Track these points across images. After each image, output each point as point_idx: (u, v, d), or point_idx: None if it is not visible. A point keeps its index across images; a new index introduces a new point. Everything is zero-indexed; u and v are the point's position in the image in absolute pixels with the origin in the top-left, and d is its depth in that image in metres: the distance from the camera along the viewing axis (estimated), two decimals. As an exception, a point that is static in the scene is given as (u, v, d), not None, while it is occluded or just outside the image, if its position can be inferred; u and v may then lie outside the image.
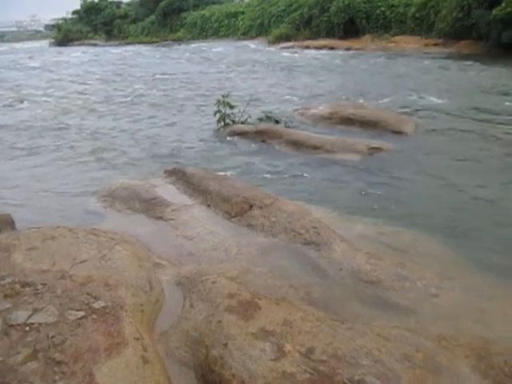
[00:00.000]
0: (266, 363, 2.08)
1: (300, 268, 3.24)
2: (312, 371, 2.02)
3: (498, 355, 2.32)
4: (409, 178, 5.17)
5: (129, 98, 12.01)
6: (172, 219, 4.15)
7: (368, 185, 5.01)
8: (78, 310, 2.35)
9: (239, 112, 7.97)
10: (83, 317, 2.31)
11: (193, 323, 2.52)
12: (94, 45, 45.10)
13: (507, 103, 9.11)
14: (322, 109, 8.43)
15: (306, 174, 5.48)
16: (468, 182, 4.94)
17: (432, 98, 9.74)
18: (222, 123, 7.95)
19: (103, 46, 43.82)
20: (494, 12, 17.73)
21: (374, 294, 2.92)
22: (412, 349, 2.32)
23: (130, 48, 36.24)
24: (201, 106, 10.35)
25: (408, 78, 13.06)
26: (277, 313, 2.43)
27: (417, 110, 8.65)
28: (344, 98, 10.38)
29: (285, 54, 24.47)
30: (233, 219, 4.06)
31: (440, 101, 9.50)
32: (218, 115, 7.91)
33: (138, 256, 3.22)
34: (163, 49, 33.38)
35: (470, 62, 15.75)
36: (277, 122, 7.81)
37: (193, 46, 34.49)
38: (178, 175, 5.10)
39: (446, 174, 5.17)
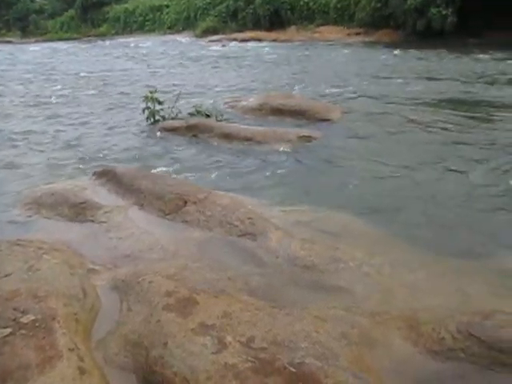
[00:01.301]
0: (208, 357, 2.08)
1: (237, 260, 3.26)
2: (253, 359, 2.05)
3: (426, 324, 2.47)
4: (338, 163, 5.36)
5: (51, 99, 11.39)
6: (104, 222, 4.01)
7: (299, 173, 5.13)
8: (5, 328, 2.22)
9: (169, 108, 7.82)
10: (10, 334, 2.18)
11: (131, 326, 2.46)
12: (9, 42, 42.15)
13: (426, 87, 9.69)
14: (252, 100, 8.49)
15: (238, 166, 5.51)
16: (393, 164, 5.21)
17: (356, 85, 10.13)
18: (152, 120, 7.77)
19: (19, 43, 41.10)
20: (409, 2, 18.70)
21: (310, 278, 3.00)
22: (348, 327, 2.42)
23: (50, 45, 34.31)
24: (129, 103, 10.05)
25: (333, 67, 13.49)
26: (216, 306, 2.43)
27: (343, 97, 8.96)
28: (273, 88, 10.52)
29: (213, 47, 24.34)
30: (168, 217, 4.00)
31: (364, 87, 9.90)
32: (146, 112, 7.72)
33: (70, 263, 3.08)
34: (86, 45, 31.95)
35: (389, 50, 16.55)
36: (208, 115, 7.76)
37: (117, 41, 33.31)
38: (108, 176, 4.93)
39: (372, 157, 5.42)
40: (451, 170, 5.00)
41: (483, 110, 7.65)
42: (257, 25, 28.61)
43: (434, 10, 17.89)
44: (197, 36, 30.53)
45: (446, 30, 17.87)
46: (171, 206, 4.09)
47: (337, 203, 4.19)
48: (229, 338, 2.16)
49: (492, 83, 10.08)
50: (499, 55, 13.92)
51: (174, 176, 5.21)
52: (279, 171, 5.27)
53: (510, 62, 12.90)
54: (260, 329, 2.25)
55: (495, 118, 7.17)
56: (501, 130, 6.47)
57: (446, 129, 6.63)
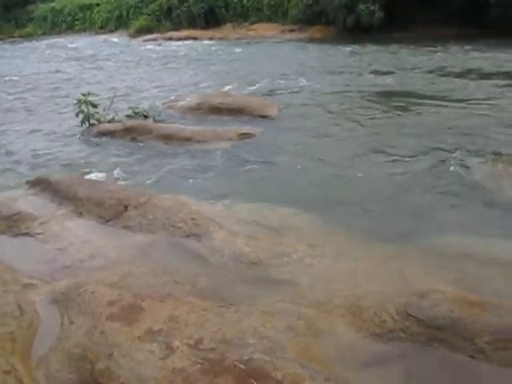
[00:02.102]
0: (156, 364, 2.05)
1: (183, 262, 3.23)
2: (202, 361, 2.05)
3: (368, 309, 2.58)
4: (277, 158, 5.44)
5: (-26, 106, 10.65)
6: (40, 233, 3.83)
7: (241, 170, 5.16)
8: None
9: (104, 110, 7.57)
10: None
11: (74, 340, 2.37)
12: None
13: (357, 80, 10.04)
14: (191, 100, 8.41)
15: (179, 167, 5.44)
16: (330, 157, 5.37)
17: (293, 81, 10.30)
18: (87, 124, 7.48)
19: None
20: (339, -2, 19.28)
21: (256, 274, 3.03)
22: (294, 319, 2.48)
23: (-31, 48, 32.06)
24: (62, 107, 9.60)
25: (269, 64, 13.64)
26: (162, 311, 2.40)
27: (280, 93, 9.09)
28: (211, 87, 10.48)
29: (148, 46, 23.80)
30: (108, 223, 3.88)
31: (300, 83, 10.09)
32: (80, 116, 7.42)
33: (2, 280, 2.92)
34: (10, 46, 30.13)
35: (322, 46, 17.00)
36: (145, 117, 7.59)
37: (46, 42, 31.65)
38: (43, 185, 4.70)
39: (309, 152, 5.55)
40: (384, 159, 5.23)
41: (410, 100, 8.02)
42: (192, 23, 28.30)
43: (362, 6, 18.58)
44: (130, 35, 29.70)
45: (374, 25, 18.62)
46: (111, 212, 3.98)
47: (278, 198, 4.26)
48: (176, 342, 2.14)
49: (413, 75, 10.59)
50: (420, 48, 14.66)
51: (113, 181, 5.06)
52: (220, 170, 5.26)
53: (429, 54, 13.62)
54: (208, 329, 2.24)
55: (422, 107, 7.55)
56: (426, 118, 6.82)
57: (378, 119, 6.91)
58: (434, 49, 14.31)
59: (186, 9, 28.59)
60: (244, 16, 27.26)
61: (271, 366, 2.00)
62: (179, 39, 25.51)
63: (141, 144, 6.49)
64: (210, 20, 27.87)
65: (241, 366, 2.00)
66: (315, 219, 3.83)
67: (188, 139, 6.26)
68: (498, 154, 5.09)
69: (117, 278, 2.91)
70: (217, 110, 7.68)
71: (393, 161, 5.17)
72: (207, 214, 3.83)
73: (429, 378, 2.16)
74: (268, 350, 2.11)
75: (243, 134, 6.29)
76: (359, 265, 3.08)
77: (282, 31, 23.08)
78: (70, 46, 26.81)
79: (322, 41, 18.60)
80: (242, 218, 3.85)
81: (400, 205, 4.11)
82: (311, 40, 19.56)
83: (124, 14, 33.49)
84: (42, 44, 30.05)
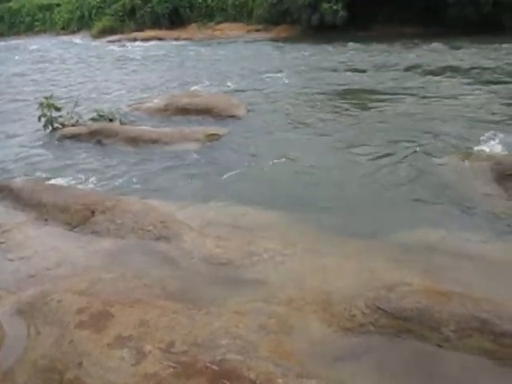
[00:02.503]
0: (127, 370, 2.02)
1: (153, 265, 3.19)
2: (174, 364, 2.03)
3: (338, 304, 2.62)
4: (246, 159, 5.45)
5: None
6: (2, 242, 3.70)
7: (209, 171, 5.14)
8: None
9: (68, 114, 7.39)
10: None
11: (41, 351, 2.31)
12: None
13: (323, 79, 10.16)
14: (157, 101, 8.31)
15: (147, 170, 5.38)
16: (297, 155, 5.41)
17: (260, 80, 10.34)
18: (50, 128, 7.29)
19: None
20: (302, -3, 19.45)
21: (227, 274, 3.02)
22: (266, 317, 2.49)
23: None
24: (24, 112, 9.30)
25: (236, 63, 13.64)
26: (132, 316, 2.36)
27: (248, 93, 9.10)
28: (178, 88, 10.38)
29: (112, 47, 23.38)
30: (75, 229, 3.79)
31: (267, 82, 10.13)
32: (43, 120, 7.22)
33: (-37, 292, 2.81)
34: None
35: (287, 45, 17.11)
36: (111, 119, 7.45)
37: (4, 44, 30.64)
38: (4, 192, 4.55)
39: (279, 151, 5.58)
40: (350, 157, 5.32)
41: (375, 97, 8.19)
42: (156, 23, 27.96)
43: (325, 6, 18.81)
44: (93, 36, 29.07)
45: (338, 24, 18.89)
46: (78, 217, 3.89)
47: (248, 198, 4.27)
48: (148, 347, 2.12)
49: (377, 72, 10.81)
50: (382, 47, 14.96)
51: (79, 186, 4.95)
52: (189, 171, 5.23)
53: (391, 52, 13.92)
54: (179, 332, 2.23)
55: (387, 103, 7.70)
56: (391, 114, 6.96)
57: (344, 117, 7.01)
58: (394, 47, 14.64)
59: (149, 9, 28.23)
60: (209, 16, 27.15)
61: (244, 365, 2.00)
62: (144, 40, 25.17)
63: (107, 147, 6.38)
64: (175, 20, 27.63)
65: (213, 367, 1.99)
66: (285, 218, 3.85)
67: (155, 141, 6.19)
68: (461, 149, 5.25)
69: (85, 285, 2.84)
70: (184, 111, 7.63)
71: (359, 158, 5.26)
72: (177, 217, 3.80)
73: (398, 369, 2.20)
74: (240, 349, 2.11)
75: (211, 134, 6.27)
76: (329, 261, 3.12)
77: (248, 31, 23.12)
78: (30, 47, 26.02)
79: (288, 40, 18.74)
80: (212, 220, 3.84)
81: (367, 201, 4.19)
82: (277, 39, 19.68)
83: (86, 14, 32.78)
84: (1, 46, 29.06)
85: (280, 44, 17.87)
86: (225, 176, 4.99)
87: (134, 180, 5.14)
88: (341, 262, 3.14)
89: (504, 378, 2.11)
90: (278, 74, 11.17)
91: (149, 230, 3.56)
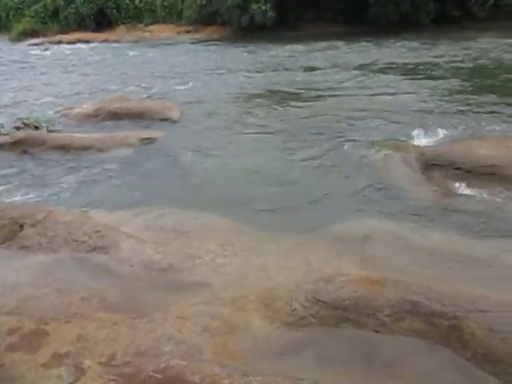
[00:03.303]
0: (66, 388, 1.94)
1: (90, 277, 3.08)
2: (116, 377, 1.98)
3: (279, 300, 2.67)
4: (181, 161, 5.39)
5: None
6: None
7: (144, 176, 5.04)
8: None
9: (-13, 123, 6.92)
10: None
11: (-30, 378, 2.16)
12: None
13: (255, 79, 10.27)
14: (87, 107, 8.00)
15: (79, 178, 5.16)
16: (234, 156, 5.44)
17: (192, 82, 10.25)
18: (-32, 139, 6.78)
19: None
20: (231, -2, 19.49)
21: (168, 279, 2.99)
22: (210, 320, 2.49)
23: None
24: None
25: (168, 65, 13.44)
26: (69, 332, 2.27)
27: (181, 95, 8.99)
28: (108, 92, 10.05)
29: (35, 51, 22.13)
30: (2, 246, 3.57)
31: (200, 84, 10.07)
32: (-41, 131, 6.71)
33: None
34: None
35: (219, 46, 17.11)
36: (37, 127, 7.06)
37: None
38: None
39: (214, 152, 5.58)
40: (283, 154, 5.41)
41: (307, 94, 8.39)
42: (82, 25, 26.80)
43: (254, 6, 18.98)
44: (13, 40, 27.34)
45: (267, 24, 19.14)
46: (5, 233, 3.66)
47: (186, 201, 4.23)
48: (87, 362, 2.05)
49: (308, 71, 11.10)
50: (310, 46, 15.34)
51: (5, 199, 4.66)
52: (124, 177, 5.09)
53: (320, 51, 14.32)
54: (121, 343, 2.17)
55: (316, 100, 7.91)
56: (320, 110, 7.15)
57: (276, 115, 7.11)
58: (322, 46, 15.06)
59: (73, 10, 27.02)
60: (138, 17, 26.46)
61: (189, 370, 1.99)
62: (70, 43, 24.07)
63: (34, 157, 6.04)
64: (101, 21, 26.64)
65: (157, 375, 1.97)
66: (224, 219, 3.86)
67: (87, 148, 5.96)
68: (389, 141, 5.52)
69: (15, 303, 2.68)
70: (116, 116, 7.40)
71: (292, 155, 5.38)
72: (113, 225, 3.69)
73: (339, 357, 2.29)
74: (185, 354, 2.10)
75: (145, 138, 6.14)
76: (269, 258, 3.18)
77: (178, 32, 22.79)
78: None
79: (219, 41, 18.74)
80: (150, 225, 3.77)
81: (302, 196, 4.29)
82: (208, 40, 19.59)
83: (3, 16, 30.79)
84: None
85: (211, 45, 17.84)
86: (160, 180, 4.91)
87: (66, 189, 4.92)
88: (280, 258, 3.20)
89: (434, 355, 2.25)
90: (212, 76, 11.16)
91: (84, 241, 3.43)
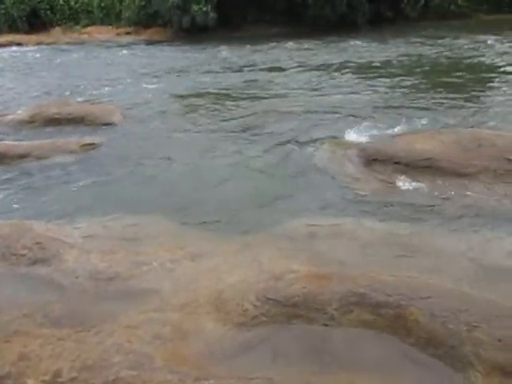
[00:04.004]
0: (8, 411, 1.84)
1: (32, 292, 2.94)
2: (63, 394, 1.90)
3: (231, 301, 2.67)
4: (126, 167, 5.25)
5: None
6: None
7: (87, 183, 4.85)
8: None
9: None
10: None
11: None
12: None
13: (197, 81, 10.21)
14: (22, 113, 7.60)
15: (15, 188, 4.88)
16: (178, 160, 5.34)
17: (134, 85, 10.03)
18: None
19: None
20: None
21: (116, 288, 2.91)
22: (160, 326, 2.45)
23: None
24: None
25: (109, 68, 13.07)
26: (9, 351, 2.16)
27: (123, 98, 8.77)
28: (45, 97, 9.62)
29: (-39, 55, 20.79)
30: None
31: (142, 86, 9.87)
32: None
33: None
34: None
35: (160, 48, 16.85)
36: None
37: None
38: None
39: (158, 156, 5.48)
40: (228, 156, 5.38)
41: (248, 96, 8.42)
42: (13, 27, 25.48)
43: (195, 7, 18.84)
44: None
45: (209, 25, 19.07)
46: None
47: (131, 207, 4.13)
48: (30, 382, 1.95)
49: (249, 72, 11.17)
50: (251, 47, 15.45)
51: None
52: (65, 185, 4.88)
53: (260, 52, 14.46)
54: (66, 359, 2.09)
55: (259, 100, 7.94)
56: (263, 111, 7.21)
57: (218, 117, 7.08)
58: (264, 47, 15.21)
59: (3, 11, 25.62)
60: (74, 19, 25.49)
61: (139, 379, 1.95)
62: (1, 46, 22.81)
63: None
64: (34, 23, 25.44)
65: (107, 388, 1.91)
66: (171, 224, 3.81)
67: (23, 156, 5.67)
68: (332, 138, 5.66)
69: None
70: (54, 121, 7.09)
71: (236, 156, 5.37)
72: (54, 236, 3.53)
73: (291, 354, 2.33)
74: (135, 364, 2.05)
75: (86, 144, 5.93)
76: (219, 260, 3.17)
77: (118, 34, 22.19)
78: None
79: (161, 43, 18.45)
80: (95, 234, 3.65)
81: (248, 197, 4.31)
82: (149, 42, 19.24)
83: None
84: None
85: (152, 47, 17.52)
86: (104, 187, 4.76)
87: (1, 201, 4.66)
88: (230, 259, 3.20)
89: (382, 344, 2.34)
90: (153, 78, 10.96)
91: (23, 254, 3.27)
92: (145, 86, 10.00)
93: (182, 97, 8.67)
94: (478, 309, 2.41)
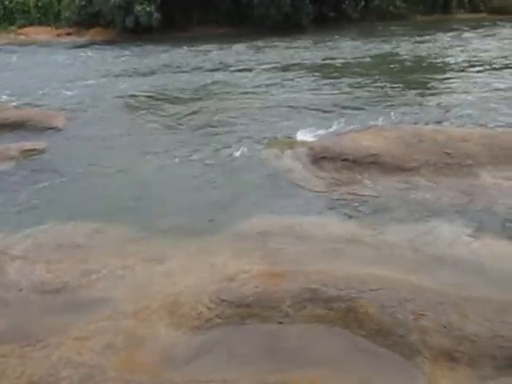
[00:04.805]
0: None
1: (-30, 308, 2.77)
2: (8, 414, 1.80)
3: (185, 305, 2.64)
4: (70, 172, 5.04)
5: None
6: None
7: (30, 191, 4.61)
8: None
9: None
10: None
11: None
12: None
13: (141, 83, 10.01)
14: (-47, 119, 7.14)
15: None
16: (123, 163, 5.19)
17: (77, 88, 9.66)
18: None
19: None
20: (113, -1, 18.71)
21: (64, 299, 2.80)
22: (112, 335, 2.38)
23: None
24: None
25: (49, 71, 12.52)
26: None
27: (67, 102, 8.43)
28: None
29: None
30: None
31: (85, 89, 9.52)
32: None
33: None
34: None
35: (103, 49, 16.34)
36: None
37: None
38: None
39: (103, 161, 5.31)
40: (175, 159, 5.30)
41: (196, 96, 8.35)
42: None
43: (138, 7, 18.41)
44: None
45: (153, 26, 18.71)
46: None
47: (77, 214, 3.98)
48: (-29, 404, 1.84)
49: (195, 73, 11.06)
50: (197, 47, 15.33)
51: None
52: (6, 194, 4.62)
53: (206, 52, 14.39)
54: (10, 377, 1.99)
55: (209, 101, 7.89)
56: (213, 111, 7.17)
57: (164, 119, 6.95)
58: (210, 46, 15.14)
59: None
60: (9, 19, 24.21)
61: (91, 392, 1.88)
62: None
63: None
64: (-34, 24, 23.99)
65: (55, 404, 1.83)
66: (121, 229, 3.71)
67: (-43, 165, 5.33)
68: (281, 138, 5.72)
69: None
70: (-10, 127, 6.71)
71: (184, 157, 5.31)
72: (-6, 247, 3.35)
73: (247, 353, 2.33)
74: (85, 377, 1.98)
75: (28, 150, 5.65)
76: (172, 265, 3.12)
77: (58, 35, 21.30)
78: None
79: (104, 43, 17.89)
80: (39, 243, 3.49)
81: (200, 199, 4.27)
82: (92, 43, 18.61)
83: None
84: None
85: (95, 48, 16.97)
86: (49, 193, 4.55)
87: None
88: (183, 263, 3.16)
89: (335, 337, 2.40)
90: (98, 80, 10.62)
91: (-40, 270, 3.07)
92: (89, 88, 9.67)
93: (127, 99, 8.45)
94: (424, 298, 2.52)
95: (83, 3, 20.19)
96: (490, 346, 2.21)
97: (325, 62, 11.43)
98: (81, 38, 20.11)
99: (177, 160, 5.25)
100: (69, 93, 9.27)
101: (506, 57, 10.49)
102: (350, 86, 8.62)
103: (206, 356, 2.30)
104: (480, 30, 15.33)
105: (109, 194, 4.49)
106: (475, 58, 10.58)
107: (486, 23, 17.25)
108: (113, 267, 3.06)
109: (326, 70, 10.33)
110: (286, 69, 10.79)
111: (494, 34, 14.41)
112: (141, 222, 3.88)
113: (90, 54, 15.65)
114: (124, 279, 2.97)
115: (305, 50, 13.75)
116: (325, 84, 8.88)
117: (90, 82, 10.42)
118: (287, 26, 18.05)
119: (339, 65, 11.03)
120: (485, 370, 2.16)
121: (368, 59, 11.53)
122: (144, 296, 2.78)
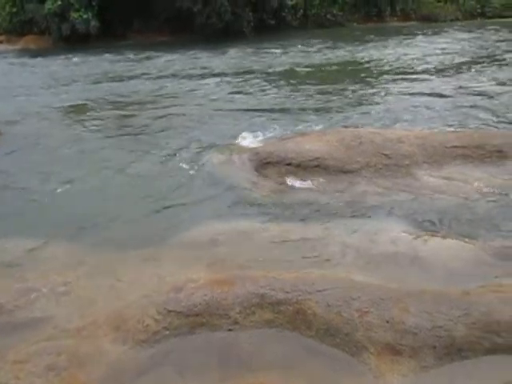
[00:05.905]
0: None
1: None
2: None
3: (131, 318, 2.56)
4: (8, 187, 4.79)
5: None
6: None
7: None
8: None
9: None
10: None
11: None
12: None
13: (81, 91, 9.70)
14: None
15: None
16: (65, 176, 4.97)
17: (9, 98, 9.20)
18: None
19: None
20: (47, 6, 18.01)
21: (1, 322, 2.64)
22: (54, 356, 2.27)
23: None
24: None
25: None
26: None
27: (1, 115, 7.98)
28: None
29: None
30: None
31: (19, 99, 9.09)
32: None
33: None
34: None
35: (37, 57, 15.63)
36: None
37: None
38: None
39: (43, 174, 5.07)
40: (119, 169, 5.18)
41: (140, 104, 8.20)
42: None
43: (75, 15, 17.82)
44: None
45: (91, 33, 18.19)
46: None
47: (15, 230, 3.78)
48: None
49: (138, 81, 10.84)
50: (137, 55, 15.10)
51: None
52: None
53: (147, 60, 14.18)
54: None
55: (149, 110, 7.71)
56: (156, 119, 7.08)
57: (107, 129, 6.81)
58: (150, 54, 14.94)
59: None
60: None
61: (30, 418, 1.78)
62: None
63: None
64: None
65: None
66: (62, 244, 3.55)
67: None
68: (224, 144, 5.72)
69: None
70: None
71: (128, 168, 5.19)
72: None
73: (198, 363, 2.30)
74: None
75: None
76: (116, 278, 3.03)
77: (-12, 43, 20.22)
78: None
79: (38, 52, 17.12)
80: (-29, 264, 3.27)
81: (145, 210, 4.17)
82: (25, 51, 17.79)
83: None
84: None
85: (29, 56, 16.21)
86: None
87: None
88: (128, 275, 3.08)
89: (284, 341, 2.42)
90: (33, 90, 10.16)
91: None
92: (24, 99, 9.21)
93: (65, 109, 8.16)
94: (368, 294, 2.59)
95: (14, 10, 19.30)
96: (430, 336, 2.31)
97: (268, 68, 11.59)
98: (13, 45, 19.17)
99: (120, 170, 5.12)
100: (3, 105, 8.78)
101: (428, 62, 11.18)
102: (293, 91, 8.81)
103: (155, 370, 2.25)
104: (409, 36, 16.35)
105: (48, 209, 4.28)
106: (404, 64, 11.18)
107: (416, 30, 18.31)
108: (54, 284, 2.92)
109: (267, 77, 10.48)
110: (229, 75, 10.84)
111: (422, 40, 15.43)
112: (84, 235, 3.74)
113: (22, 62, 14.94)
114: (66, 296, 2.85)
115: (246, 56, 13.89)
116: (268, 89, 9.02)
117: (24, 91, 9.96)
118: (229, 34, 18.18)
119: (281, 71, 11.24)
120: (427, 360, 2.26)
121: (308, 65, 11.83)
122: (88, 312, 2.68)
